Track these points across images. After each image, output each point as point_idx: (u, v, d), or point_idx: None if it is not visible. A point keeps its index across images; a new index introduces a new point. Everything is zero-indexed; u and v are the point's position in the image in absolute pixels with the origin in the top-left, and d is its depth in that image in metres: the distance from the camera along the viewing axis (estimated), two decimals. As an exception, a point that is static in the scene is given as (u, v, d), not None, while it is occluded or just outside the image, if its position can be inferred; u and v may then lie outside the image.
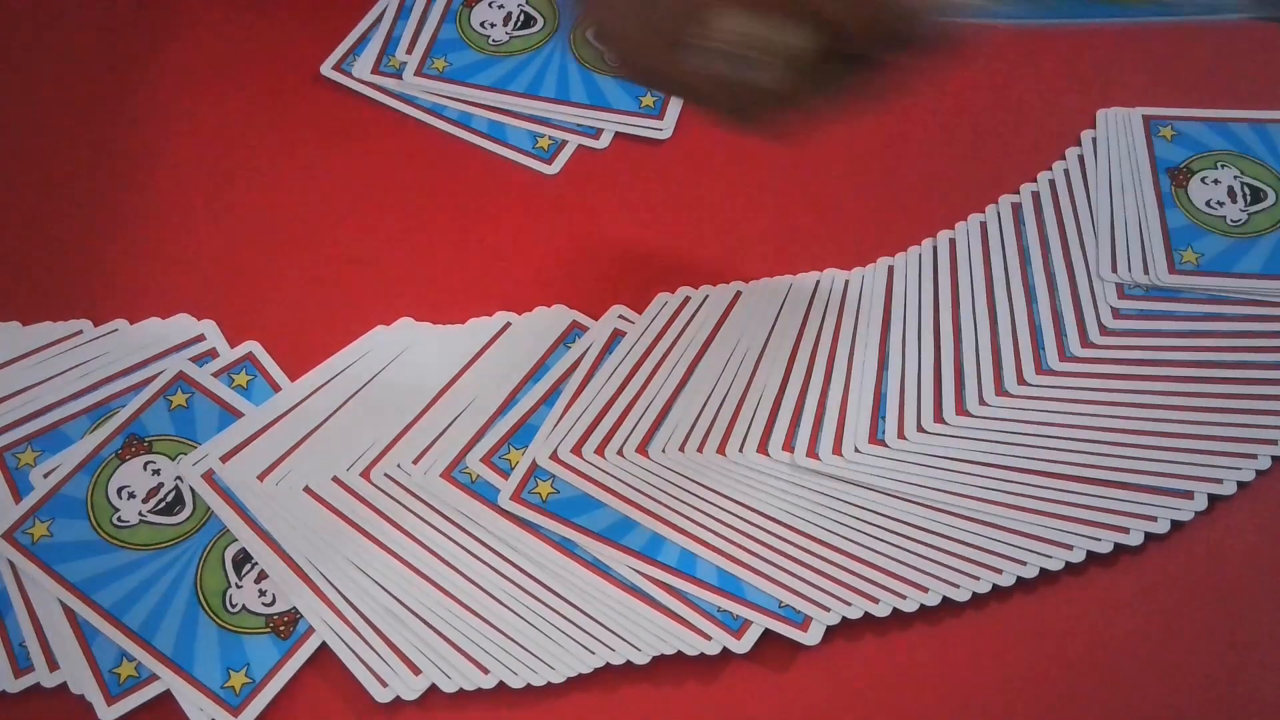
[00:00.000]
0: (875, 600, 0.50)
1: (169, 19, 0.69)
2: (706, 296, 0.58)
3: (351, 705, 0.49)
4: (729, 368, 0.56)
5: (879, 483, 0.53)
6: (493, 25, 0.68)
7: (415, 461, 0.54)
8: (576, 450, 0.54)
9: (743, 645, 0.50)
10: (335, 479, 0.53)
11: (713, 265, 0.60)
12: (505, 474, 0.53)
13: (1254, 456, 0.54)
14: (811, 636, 0.50)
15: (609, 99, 0.65)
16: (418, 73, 0.66)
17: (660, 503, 0.53)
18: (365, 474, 0.53)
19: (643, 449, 0.54)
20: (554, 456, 0.54)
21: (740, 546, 0.52)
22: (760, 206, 0.62)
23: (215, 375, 0.56)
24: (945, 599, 0.51)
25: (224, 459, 0.53)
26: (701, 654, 0.50)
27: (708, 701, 0.50)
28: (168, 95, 0.66)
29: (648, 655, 0.49)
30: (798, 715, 0.50)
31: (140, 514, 0.53)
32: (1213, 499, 0.53)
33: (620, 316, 0.58)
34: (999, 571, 0.51)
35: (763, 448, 0.54)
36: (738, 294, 0.58)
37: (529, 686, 0.49)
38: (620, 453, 0.54)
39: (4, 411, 0.55)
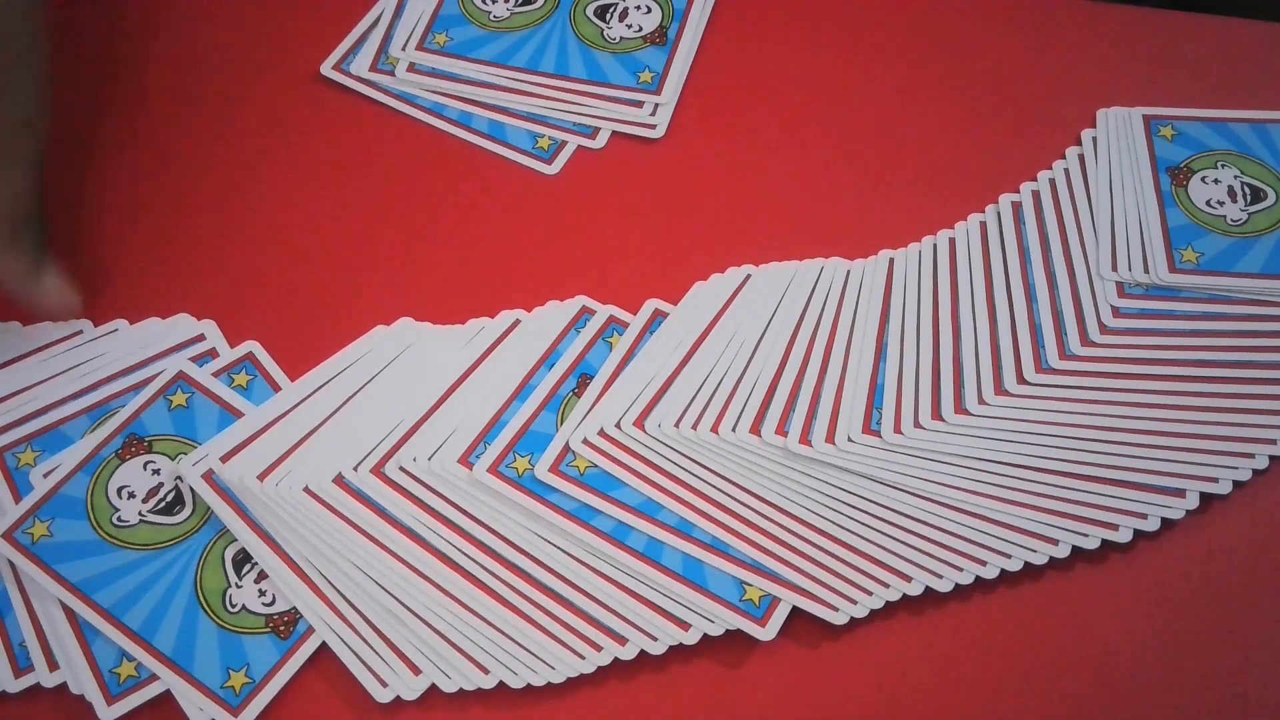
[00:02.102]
0: (855, 600, 0.50)
1: (168, 17, 0.68)
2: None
3: (351, 705, 0.49)
4: (729, 350, 0.56)
5: (872, 473, 0.52)
6: (494, 1, 0.68)
7: (430, 457, 0.53)
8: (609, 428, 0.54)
9: (768, 632, 0.50)
10: (339, 477, 0.53)
11: (714, 264, 0.59)
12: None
13: (1251, 456, 0.53)
14: (839, 617, 0.50)
15: (608, 75, 0.65)
16: (419, 47, 0.66)
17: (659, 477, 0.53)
18: (376, 469, 0.53)
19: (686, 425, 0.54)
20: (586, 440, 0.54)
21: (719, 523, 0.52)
22: (759, 206, 0.61)
23: (215, 375, 0.56)
24: (928, 589, 0.50)
25: (224, 459, 0.53)
26: (698, 656, 0.50)
27: (706, 702, 0.50)
28: (167, 95, 0.66)
29: (635, 650, 0.49)
30: (813, 705, 0.50)
31: (140, 514, 0.52)
32: (1208, 498, 0.52)
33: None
34: (983, 563, 0.51)
35: (755, 429, 0.53)
36: (748, 277, 0.59)
37: (529, 686, 0.49)
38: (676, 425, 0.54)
39: (4, 411, 0.55)
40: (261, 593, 0.51)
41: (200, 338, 0.57)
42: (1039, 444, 0.53)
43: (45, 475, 0.53)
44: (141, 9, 0.69)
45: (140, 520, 0.52)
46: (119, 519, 0.52)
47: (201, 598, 0.51)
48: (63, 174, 0.63)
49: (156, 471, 0.53)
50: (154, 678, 0.49)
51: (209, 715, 0.48)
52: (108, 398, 0.55)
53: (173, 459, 0.54)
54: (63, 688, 0.49)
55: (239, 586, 0.51)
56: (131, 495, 0.53)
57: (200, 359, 0.57)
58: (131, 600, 0.50)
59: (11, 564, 0.51)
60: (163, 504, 0.53)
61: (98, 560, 0.51)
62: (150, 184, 0.63)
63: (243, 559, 0.52)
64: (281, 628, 0.50)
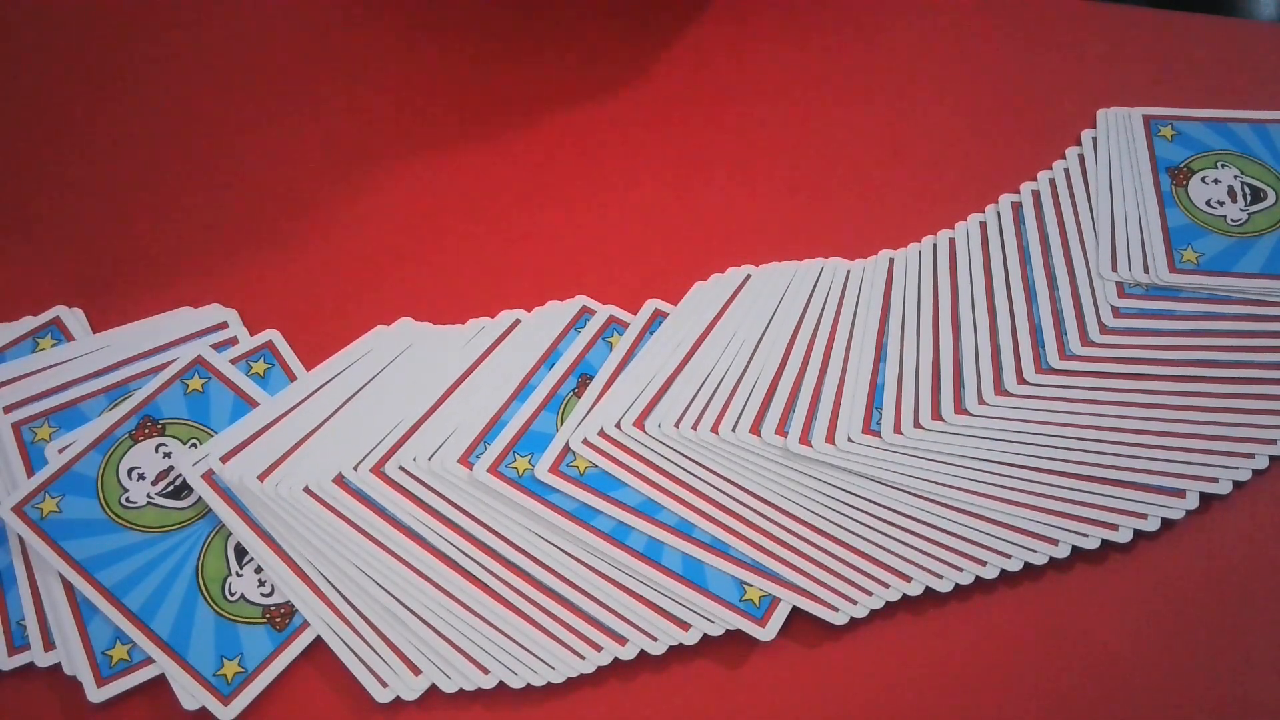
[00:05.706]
0: (855, 600, 0.46)
1: (178, 17, 0.65)
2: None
3: (351, 705, 0.46)
4: (729, 350, 0.52)
5: (872, 473, 0.49)
6: None
7: (430, 457, 0.50)
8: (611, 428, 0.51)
9: (768, 632, 0.46)
10: (339, 477, 0.49)
11: (714, 264, 0.55)
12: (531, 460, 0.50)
13: (1251, 456, 0.49)
14: (839, 617, 0.46)
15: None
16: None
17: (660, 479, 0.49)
18: (376, 469, 0.49)
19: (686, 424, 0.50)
20: (585, 441, 0.50)
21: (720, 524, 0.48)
22: (759, 206, 0.57)
23: (233, 362, 0.53)
24: (928, 589, 0.47)
25: (224, 459, 0.49)
26: (698, 656, 0.46)
27: (706, 702, 0.46)
28: (183, 100, 0.62)
29: (635, 650, 0.46)
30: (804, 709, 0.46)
31: (148, 496, 0.49)
32: (1208, 498, 0.49)
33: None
34: (983, 563, 0.47)
35: (755, 429, 0.50)
36: (748, 277, 0.55)
37: (529, 686, 0.46)
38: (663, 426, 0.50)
39: (25, 386, 0.52)
40: (261, 583, 0.48)
41: (222, 325, 0.54)
42: (1039, 444, 0.49)
43: (60, 451, 0.50)
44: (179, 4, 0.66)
45: (148, 502, 0.49)
46: (127, 500, 0.49)
47: (202, 584, 0.48)
48: (102, 167, 0.59)
49: (168, 455, 0.50)
50: (145, 662, 0.46)
51: (200, 702, 0.45)
52: (128, 379, 0.52)
53: (184, 443, 0.51)
54: (56, 669, 0.46)
55: (239, 575, 0.48)
56: (141, 477, 0.50)
57: (220, 346, 0.54)
58: (133, 582, 0.47)
59: (20, 538, 0.48)
60: (171, 488, 0.50)
61: (103, 539, 0.48)
62: (165, 182, 0.59)
63: (245, 548, 0.48)
64: (278, 619, 0.47)
